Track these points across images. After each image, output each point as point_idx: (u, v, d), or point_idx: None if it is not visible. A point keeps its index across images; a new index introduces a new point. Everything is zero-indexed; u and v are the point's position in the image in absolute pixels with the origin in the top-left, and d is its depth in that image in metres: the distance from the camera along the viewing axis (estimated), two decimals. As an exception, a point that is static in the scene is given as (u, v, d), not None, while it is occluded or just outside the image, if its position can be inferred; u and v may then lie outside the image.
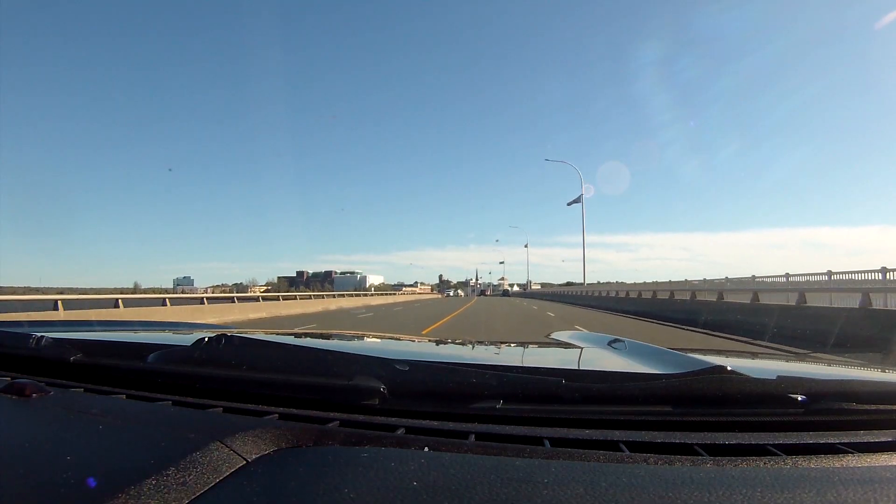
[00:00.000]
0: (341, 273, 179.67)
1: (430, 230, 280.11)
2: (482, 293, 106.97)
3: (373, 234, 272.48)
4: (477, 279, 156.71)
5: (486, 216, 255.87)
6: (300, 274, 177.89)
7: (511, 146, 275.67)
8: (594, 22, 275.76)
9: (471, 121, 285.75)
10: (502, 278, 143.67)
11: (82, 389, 0.77)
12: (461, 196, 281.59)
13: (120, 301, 13.79)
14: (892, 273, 9.47)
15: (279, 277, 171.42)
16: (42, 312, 10.91)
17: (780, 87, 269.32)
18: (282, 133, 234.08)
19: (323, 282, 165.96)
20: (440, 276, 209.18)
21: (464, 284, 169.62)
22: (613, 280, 37.54)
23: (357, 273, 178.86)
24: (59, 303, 11.73)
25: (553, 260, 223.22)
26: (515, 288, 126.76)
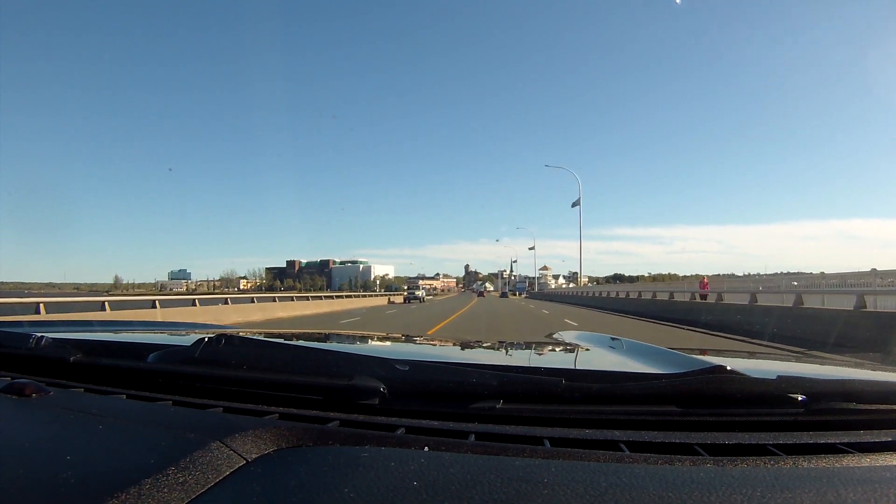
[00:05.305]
0: (340, 263, 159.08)
1: (462, 224, 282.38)
2: (480, 294, 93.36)
3: (404, 228, 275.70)
4: (511, 271, 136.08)
5: (527, 210, 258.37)
6: (291, 264, 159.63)
7: (549, 145, 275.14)
8: (615, 13, 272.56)
9: (508, 116, 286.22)
10: (544, 267, 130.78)
11: (82, 389, 0.77)
12: (496, 190, 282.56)
13: (157, 302, 15.00)
14: None
15: (266, 269, 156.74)
16: (93, 313, 12.34)
17: (815, 77, 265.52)
18: (303, 129, 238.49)
19: (317, 274, 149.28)
20: (466, 267, 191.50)
21: (495, 276, 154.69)
22: (652, 273, 30.65)
23: (360, 263, 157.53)
24: (106, 304, 13.13)
25: (590, 253, 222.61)
26: (561, 281, 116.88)
